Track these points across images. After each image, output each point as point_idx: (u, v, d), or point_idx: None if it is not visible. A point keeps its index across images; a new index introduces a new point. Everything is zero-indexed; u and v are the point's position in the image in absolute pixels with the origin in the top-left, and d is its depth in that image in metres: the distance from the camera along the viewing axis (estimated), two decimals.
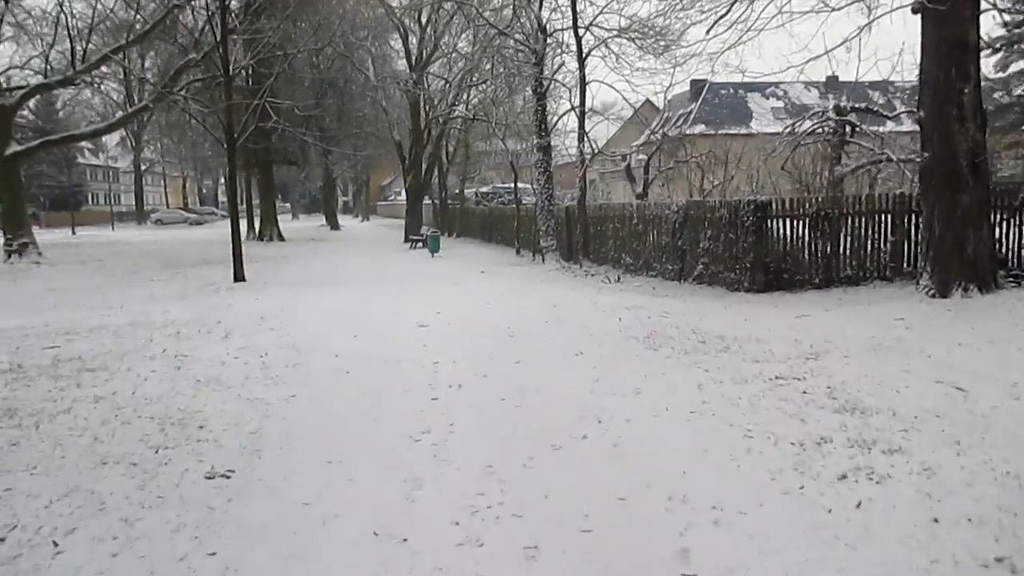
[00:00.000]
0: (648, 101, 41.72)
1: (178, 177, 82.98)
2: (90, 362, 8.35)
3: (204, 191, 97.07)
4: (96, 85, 26.89)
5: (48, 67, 26.26)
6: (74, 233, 49.58)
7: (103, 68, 25.22)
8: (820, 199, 13.73)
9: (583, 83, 19.89)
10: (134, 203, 69.59)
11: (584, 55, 19.94)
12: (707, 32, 13.17)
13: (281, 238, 36.79)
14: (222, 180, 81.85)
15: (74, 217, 52.97)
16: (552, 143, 22.71)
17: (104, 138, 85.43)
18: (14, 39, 30.94)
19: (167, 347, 9.08)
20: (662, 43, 19.98)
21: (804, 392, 6.09)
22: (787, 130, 19.84)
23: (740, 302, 12.10)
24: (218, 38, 16.45)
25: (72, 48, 24.62)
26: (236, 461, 4.83)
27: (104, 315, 12.43)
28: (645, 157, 26.93)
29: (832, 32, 13.02)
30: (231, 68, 17.68)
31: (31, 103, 55.88)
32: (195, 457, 4.86)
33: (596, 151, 21.50)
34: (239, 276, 17.53)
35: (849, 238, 13.31)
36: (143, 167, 70.65)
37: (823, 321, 9.81)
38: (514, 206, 32.62)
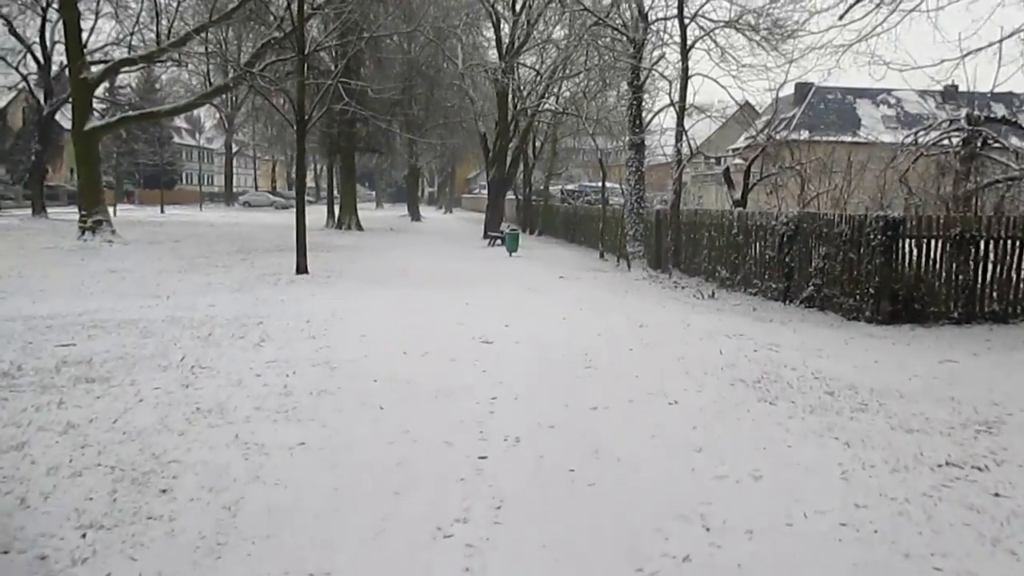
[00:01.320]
0: (747, 103, 39.42)
1: (268, 161, 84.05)
2: (96, 368, 7.16)
3: (293, 176, 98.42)
4: (183, 63, 26.35)
5: (133, 43, 25.87)
6: (163, 211, 50.17)
7: (191, 47, 24.57)
8: (963, 218, 11.67)
9: (685, 76, 18.07)
10: (224, 184, 70.49)
11: (688, 46, 18.11)
12: (840, 18, 11.30)
13: (359, 227, 35.97)
14: (312, 165, 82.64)
15: (163, 196, 53.55)
16: (645, 141, 21.01)
17: (202, 119, 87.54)
18: (112, 15, 31.00)
19: (189, 354, 7.84)
20: (777, 35, 18.04)
21: (996, 495, 4.34)
22: (908, 138, 17.72)
23: (863, 335, 10.21)
24: (289, 9, 15.26)
25: (158, 25, 24.17)
26: (180, 568, 3.39)
27: (146, 306, 11.38)
28: (742, 161, 24.93)
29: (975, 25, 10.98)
30: (309, 48, 16.57)
31: (132, 81, 57.36)
32: (126, 556, 3.45)
33: (695, 151, 19.63)
34: (302, 268, 16.43)
35: (997, 266, 11.24)
36: (234, 149, 71.49)
37: (977, 371, 7.90)
38: (600, 206, 30.98)
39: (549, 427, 5.67)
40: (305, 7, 20.22)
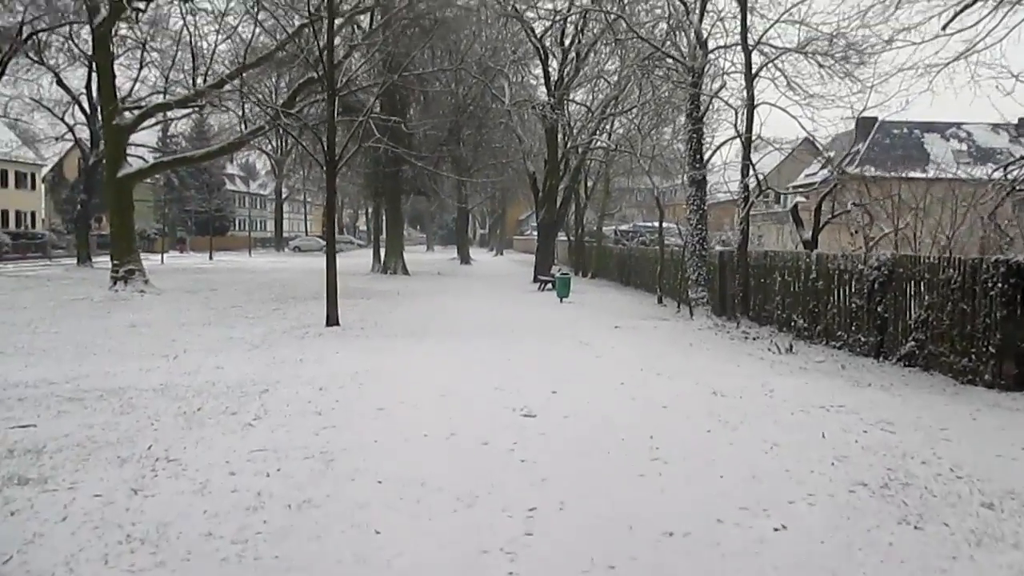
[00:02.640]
0: (807, 140, 37.43)
1: (319, 205, 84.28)
2: (43, 462, 5.75)
3: (347, 220, 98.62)
4: (220, 107, 25.65)
5: (178, 89, 25.22)
6: (211, 258, 49.90)
7: (227, 91, 23.80)
8: None
9: (751, 105, 16.42)
10: (274, 229, 70.57)
11: (753, 74, 16.48)
12: (944, 27, 9.59)
13: (405, 271, 34.78)
14: (362, 209, 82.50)
15: (212, 243, 53.39)
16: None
17: (256, 166, 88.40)
18: (154, 63, 30.66)
19: (161, 439, 6.39)
20: (853, 61, 16.32)
21: None
22: (997, 172, 15.84)
23: (988, 406, 8.32)
24: (323, 48, 14.12)
25: (194, 69, 23.50)
26: None
27: (145, 369, 10.04)
28: (804, 199, 23.08)
29: None
30: (340, 83, 15.42)
31: (185, 129, 57.81)
32: None
33: (764, 187, 17.90)
34: (332, 320, 15.07)
35: None
36: (284, 194, 71.64)
37: None
38: (656, 247, 29.28)
39: (608, 568, 4.02)
40: (338, 42, 19.25)
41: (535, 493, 5.18)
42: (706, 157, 18.68)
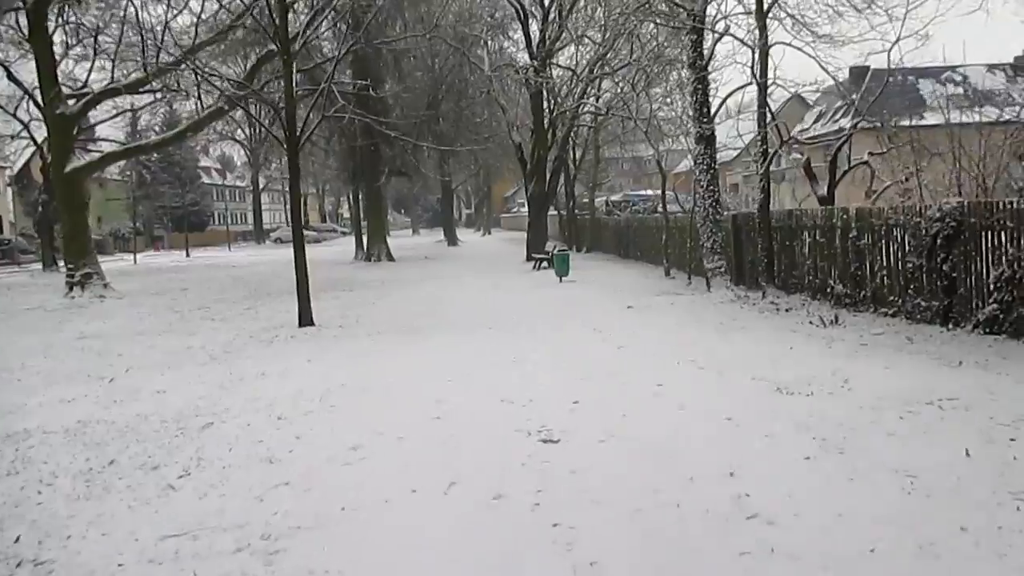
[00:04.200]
0: (798, 95, 35.57)
1: (301, 194, 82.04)
2: None
3: (329, 207, 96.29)
4: (180, 91, 23.47)
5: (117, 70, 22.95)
6: (188, 255, 47.75)
7: (182, 73, 21.68)
8: None
9: (765, 45, 14.47)
10: (253, 222, 68.21)
11: (765, 9, 14.53)
12: None
13: (390, 258, 32.82)
14: (344, 197, 79.92)
15: (187, 239, 51.22)
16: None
17: (234, 158, 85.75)
18: (108, 52, 28.32)
19: (35, 527, 4.50)
20: None
21: None
22: None
23: None
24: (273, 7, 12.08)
25: (143, 50, 21.34)
26: None
27: (67, 400, 8.11)
28: (799, 156, 21.26)
29: None
30: (296, 46, 13.39)
31: (150, 120, 55.15)
32: None
33: (788, 137, 16.02)
34: (306, 319, 13.17)
35: None
36: (261, 185, 69.26)
37: None
38: (657, 215, 27.40)
39: None
40: (300, 7, 17.22)
41: None
42: (713, 110, 16.72)
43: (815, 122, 46.02)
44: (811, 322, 11.32)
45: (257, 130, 51.99)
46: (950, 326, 9.88)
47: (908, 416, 5.71)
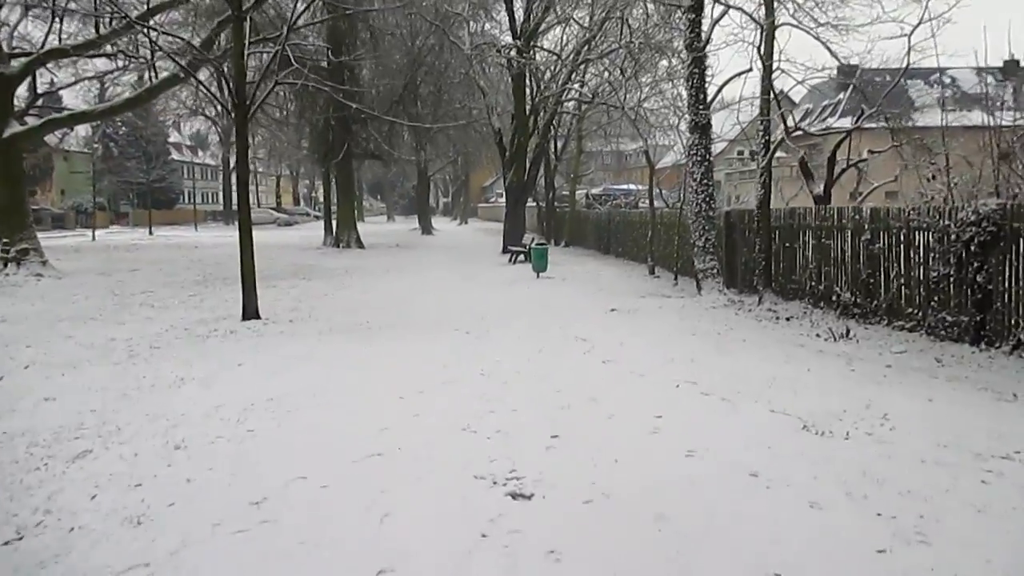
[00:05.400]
0: (783, 93, 34.49)
1: (272, 175, 79.95)
2: None
3: (304, 190, 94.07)
4: (137, 57, 21.70)
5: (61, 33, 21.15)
6: (151, 233, 45.77)
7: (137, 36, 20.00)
8: None
9: (772, 26, 13.14)
10: (223, 201, 66.02)
11: None
12: None
13: (360, 244, 31.22)
14: (319, 180, 77.34)
15: (151, 216, 49.27)
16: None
17: (208, 136, 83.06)
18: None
19: None
20: None
21: None
22: None
23: None
24: None
25: (96, 9, 19.63)
26: None
27: None
28: (785, 155, 20.07)
29: None
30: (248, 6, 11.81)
31: (122, 91, 52.84)
32: None
33: (795, 127, 14.73)
34: (250, 311, 11.67)
35: None
36: (231, 164, 67.07)
37: None
38: (641, 210, 26.12)
39: None
40: None
41: None
42: (710, 97, 15.34)
43: (802, 120, 44.98)
44: (818, 335, 10.06)
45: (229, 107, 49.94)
46: (982, 346, 8.64)
47: (991, 479, 4.38)
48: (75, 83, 28.59)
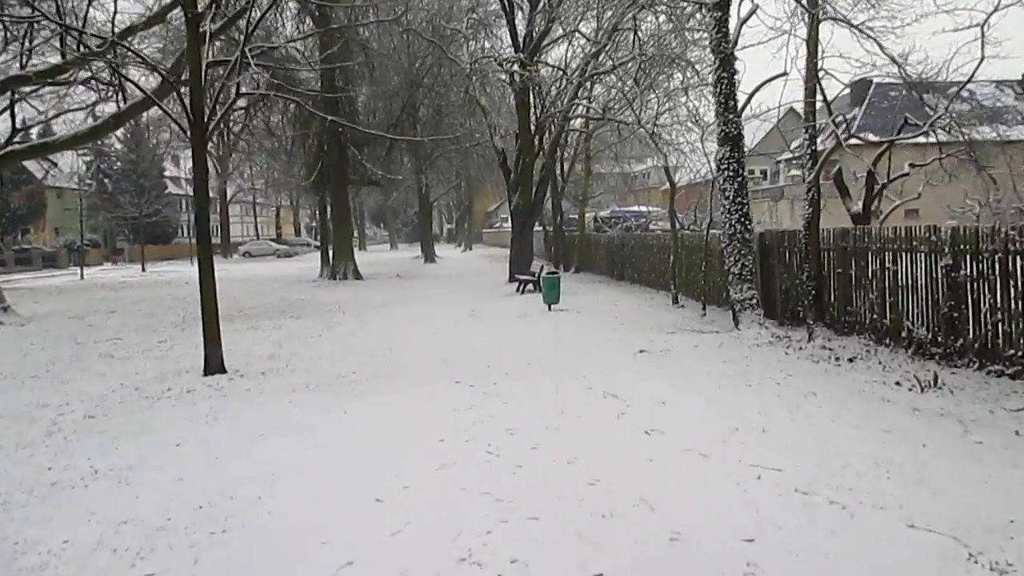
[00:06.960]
0: (792, 110, 32.88)
1: (272, 206, 78.52)
2: None
3: (305, 219, 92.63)
4: (106, 84, 20.13)
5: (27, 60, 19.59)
6: (143, 270, 44.12)
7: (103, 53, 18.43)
8: None
9: (816, 20, 11.38)
10: (220, 234, 64.40)
11: None
12: None
13: (357, 275, 29.46)
14: (319, 209, 75.66)
15: (144, 252, 47.72)
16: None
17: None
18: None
19: None
20: None
21: None
22: None
23: None
24: None
25: (63, 40, 18.12)
26: None
27: None
28: (798, 173, 18.36)
29: None
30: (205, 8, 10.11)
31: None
32: None
33: (849, 134, 12.94)
34: (213, 364, 9.84)
35: None
36: (229, 196, 65.64)
37: None
38: (655, 232, 24.37)
39: None
40: None
41: None
42: (740, 104, 13.56)
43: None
44: (898, 382, 8.21)
45: (226, 137, 48.52)
46: None
47: None
48: (58, 116, 27.15)
